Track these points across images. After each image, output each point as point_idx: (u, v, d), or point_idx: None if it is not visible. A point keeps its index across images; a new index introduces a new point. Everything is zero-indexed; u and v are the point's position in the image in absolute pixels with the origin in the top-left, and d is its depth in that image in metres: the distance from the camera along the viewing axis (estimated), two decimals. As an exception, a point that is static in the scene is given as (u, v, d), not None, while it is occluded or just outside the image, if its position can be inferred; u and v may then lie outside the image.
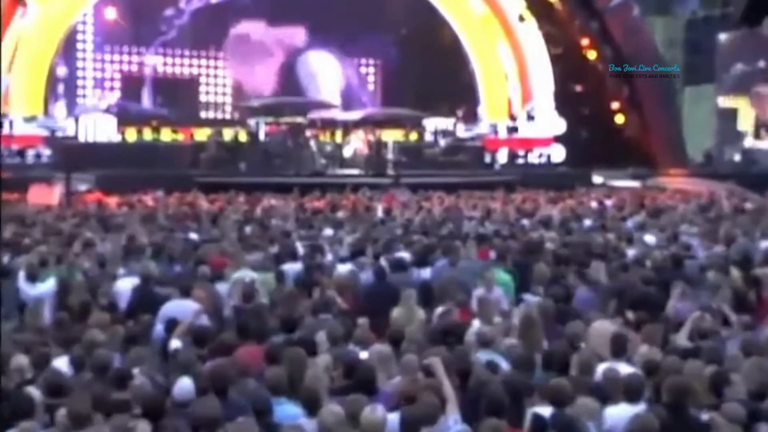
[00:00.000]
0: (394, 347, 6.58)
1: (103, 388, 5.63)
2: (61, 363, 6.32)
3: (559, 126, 28.54)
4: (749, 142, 30.12)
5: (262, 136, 26.41)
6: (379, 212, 15.87)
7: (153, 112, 27.92)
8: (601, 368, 6.18)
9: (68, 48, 26.82)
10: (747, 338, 6.90)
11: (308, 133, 26.07)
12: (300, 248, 10.70)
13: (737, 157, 29.86)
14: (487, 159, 27.97)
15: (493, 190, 20.84)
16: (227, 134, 26.17)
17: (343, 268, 9.68)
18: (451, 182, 22.41)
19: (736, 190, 20.99)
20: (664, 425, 5.10)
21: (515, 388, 5.56)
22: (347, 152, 25.75)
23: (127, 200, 17.93)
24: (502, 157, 28.07)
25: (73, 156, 22.34)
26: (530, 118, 28.69)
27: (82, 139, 25.46)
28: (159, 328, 7.54)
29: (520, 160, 28.31)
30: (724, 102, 31.39)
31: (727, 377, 5.85)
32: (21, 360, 6.28)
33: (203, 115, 29.90)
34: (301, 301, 8.29)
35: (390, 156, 25.46)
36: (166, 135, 26.63)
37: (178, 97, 28.95)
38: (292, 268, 9.61)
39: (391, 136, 27.07)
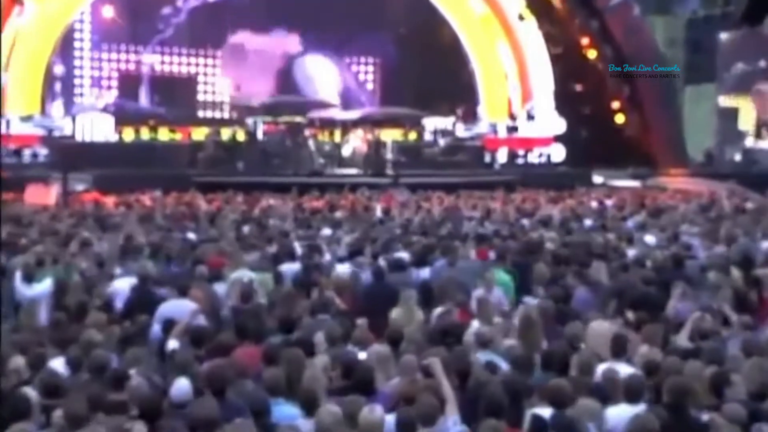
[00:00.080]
0: (393, 348, 6.57)
1: (99, 388, 5.62)
2: (58, 364, 6.30)
3: (559, 125, 28.49)
4: (750, 141, 30.06)
5: (260, 136, 26.39)
6: (378, 212, 15.82)
7: (150, 110, 27.86)
8: (600, 369, 6.16)
9: (65, 46, 26.78)
10: (748, 339, 6.88)
11: (307, 132, 26.03)
12: (298, 248, 10.66)
13: (738, 157, 29.80)
14: (487, 159, 27.89)
15: (493, 190, 20.79)
16: (225, 134, 26.13)
17: (343, 269, 9.64)
18: (450, 182, 22.37)
19: (736, 190, 20.93)
20: (665, 426, 5.09)
21: (514, 388, 5.55)
22: (346, 152, 25.71)
23: (124, 200, 17.87)
24: (502, 156, 28.00)
25: (70, 155, 22.28)
26: (530, 117, 28.63)
27: (79, 138, 25.39)
28: (156, 328, 7.50)
29: (520, 160, 28.24)
30: (725, 101, 31.35)
31: (728, 378, 5.85)
32: (18, 361, 6.27)
33: (201, 114, 29.83)
34: (300, 301, 8.26)
35: (389, 156, 25.39)
36: (164, 134, 26.58)
37: (176, 96, 28.88)
38: (291, 268, 9.59)
39: (390, 135, 27.02)
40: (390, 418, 5.13)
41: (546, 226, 13.39)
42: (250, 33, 28.72)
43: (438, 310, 7.87)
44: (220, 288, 8.82)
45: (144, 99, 28.74)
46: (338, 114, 27.89)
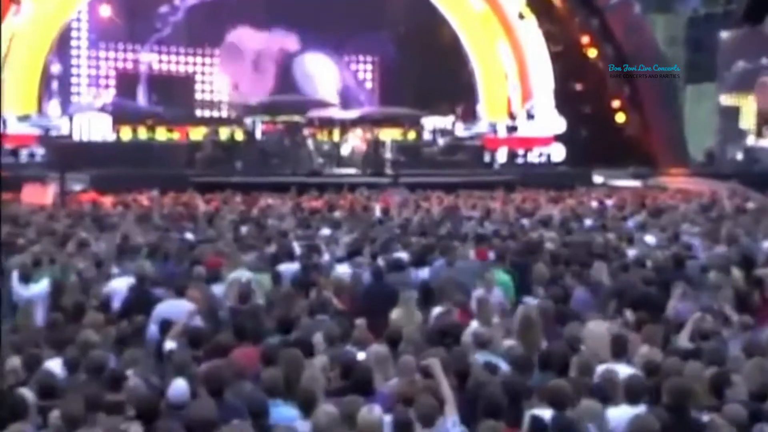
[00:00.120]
0: (392, 348, 6.55)
1: (97, 389, 5.59)
2: (55, 364, 6.27)
3: (559, 125, 28.45)
4: (751, 140, 29.98)
5: (258, 135, 26.33)
6: (377, 212, 15.78)
7: (148, 110, 27.78)
8: (599, 369, 6.13)
9: (62, 45, 26.70)
10: (749, 339, 6.86)
11: (305, 132, 25.95)
12: (297, 248, 10.63)
13: (739, 156, 29.73)
14: (487, 158, 27.83)
15: (493, 189, 20.75)
16: (223, 133, 26.07)
17: (342, 269, 9.60)
18: (449, 182, 22.33)
19: (738, 190, 20.88)
20: (665, 426, 5.09)
21: (514, 389, 5.54)
22: (345, 151, 25.66)
23: (122, 200, 17.81)
24: (502, 156, 27.95)
25: (67, 155, 22.23)
26: (530, 116, 28.59)
27: (76, 138, 25.33)
28: (153, 329, 7.48)
29: (520, 160, 28.19)
30: (726, 100, 31.29)
31: (728, 378, 5.84)
32: (16, 361, 6.26)
33: (199, 113, 29.75)
34: (298, 301, 8.24)
35: (388, 155, 25.33)
36: (162, 134, 26.52)
37: (174, 95, 28.80)
38: (289, 268, 9.57)
39: (390, 135, 26.96)
40: (389, 419, 5.10)
41: (546, 226, 13.36)
42: (248, 30, 28.63)
43: (437, 310, 7.84)
44: (218, 288, 8.79)
45: (142, 98, 28.66)
46: (337, 113, 27.81)
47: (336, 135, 26.94)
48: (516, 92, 28.89)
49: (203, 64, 29.98)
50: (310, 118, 26.64)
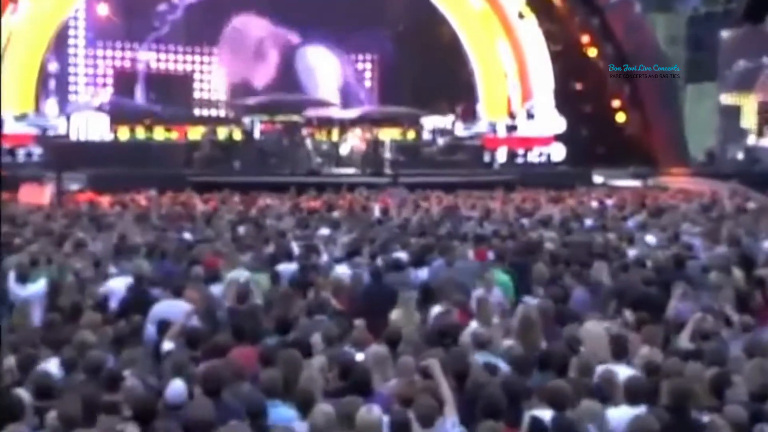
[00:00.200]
0: (391, 348, 6.53)
1: (94, 390, 5.57)
2: (52, 365, 6.26)
3: (559, 124, 28.42)
4: (752, 140, 29.99)
5: (257, 135, 26.29)
6: (376, 212, 15.75)
7: (146, 109, 27.73)
8: (599, 370, 6.12)
9: (60, 44, 26.63)
10: (749, 339, 6.84)
11: (304, 131, 25.93)
12: (295, 248, 10.61)
13: (740, 156, 29.74)
14: (486, 158, 27.81)
15: (492, 189, 20.73)
16: (222, 133, 26.01)
17: (341, 269, 9.58)
18: (449, 181, 22.31)
19: (738, 190, 20.86)
20: (665, 427, 5.10)
21: (513, 389, 5.52)
22: (344, 151, 25.62)
23: (119, 200, 17.79)
24: (502, 156, 27.93)
25: (64, 155, 22.23)
26: (530, 116, 28.57)
27: (73, 137, 25.28)
28: (151, 329, 7.46)
29: (520, 159, 28.17)
30: (727, 99, 31.30)
31: (729, 379, 5.85)
32: (12, 361, 6.24)
33: (197, 112, 29.69)
34: (296, 302, 8.22)
35: (387, 155, 25.29)
36: (160, 133, 26.46)
37: (172, 94, 28.74)
38: (287, 268, 9.54)
39: (389, 134, 26.93)
40: (388, 419, 5.07)
41: (546, 226, 13.34)
42: (253, 17, 28.49)
43: (436, 311, 7.82)
44: (216, 288, 8.76)
45: (139, 97, 28.59)
46: (336, 113, 27.80)
47: (335, 134, 26.93)
48: (516, 92, 28.87)
49: (201, 63, 29.93)
50: (309, 117, 26.61)
